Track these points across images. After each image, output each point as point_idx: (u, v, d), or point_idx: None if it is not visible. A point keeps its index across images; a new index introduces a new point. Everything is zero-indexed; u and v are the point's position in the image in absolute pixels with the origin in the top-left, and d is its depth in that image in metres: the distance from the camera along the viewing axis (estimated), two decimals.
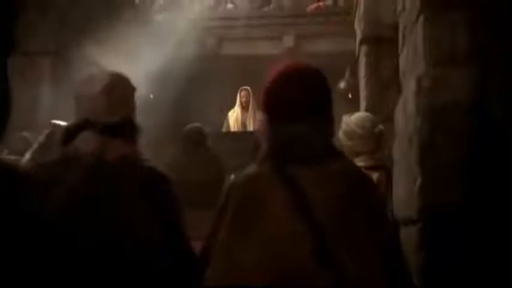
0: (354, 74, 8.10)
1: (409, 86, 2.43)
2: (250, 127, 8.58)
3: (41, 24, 5.55)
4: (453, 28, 2.26)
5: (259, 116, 1.73)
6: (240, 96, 8.68)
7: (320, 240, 1.53)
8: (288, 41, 8.69)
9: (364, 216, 1.61)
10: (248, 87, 8.68)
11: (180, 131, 6.16)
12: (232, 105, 8.74)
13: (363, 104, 5.23)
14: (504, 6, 2.23)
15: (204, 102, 9.07)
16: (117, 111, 1.79)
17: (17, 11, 0.86)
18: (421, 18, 2.32)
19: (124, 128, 1.79)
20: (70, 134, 1.79)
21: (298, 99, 1.65)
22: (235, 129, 8.59)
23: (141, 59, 6.67)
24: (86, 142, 1.75)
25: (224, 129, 8.55)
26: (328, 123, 1.70)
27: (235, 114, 8.70)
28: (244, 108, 8.68)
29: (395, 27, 5.07)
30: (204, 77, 8.87)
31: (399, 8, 2.94)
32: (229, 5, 9.27)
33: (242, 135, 8.07)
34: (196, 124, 5.55)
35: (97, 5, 6.29)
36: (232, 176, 5.53)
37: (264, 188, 1.61)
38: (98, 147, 1.74)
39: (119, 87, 1.82)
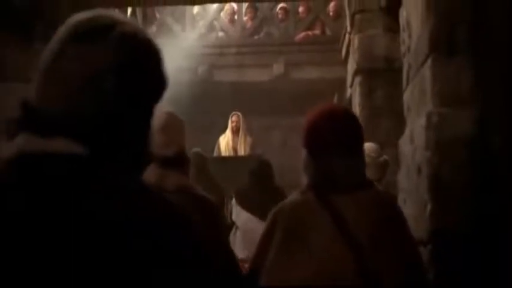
0: (342, 100, 8.42)
1: (418, 121, 2.71)
2: (241, 151, 8.83)
3: None
4: (458, 70, 2.54)
5: (302, 152, 1.98)
6: (230, 121, 8.93)
7: (359, 257, 1.79)
8: (278, 68, 8.98)
9: (393, 235, 1.89)
10: (239, 113, 8.94)
11: None
12: (223, 130, 8.99)
13: None
14: (503, 51, 2.52)
15: (195, 127, 9.28)
16: (173, 146, 2.03)
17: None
18: (429, 61, 2.60)
19: (178, 161, 2.03)
20: None
21: (337, 137, 1.92)
22: (226, 154, 8.82)
23: None
24: (146, 174, 1.97)
25: (215, 154, 8.78)
26: (361, 157, 1.97)
27: (226, 139, 8.94)
28: (235, 133, 8.93)
29: (388, 59, 5.41)
30: (195, 103, 9.10)
31: (403, 48, 3.23)
32: (221, 33, 9.56)
33: (234, 159, 8.32)
34: (197, 149, 5.78)
35: None
36: (233, 200, 5.78)
37: (309, 214, 1.87)
38: (157, 178, 1.97)
39: (174, 124, 2.06)
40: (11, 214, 0.88)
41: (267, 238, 1.92)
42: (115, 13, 1.03)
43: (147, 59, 1.01)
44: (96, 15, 0.99)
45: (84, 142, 0.92)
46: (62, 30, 0.99)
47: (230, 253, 1.99)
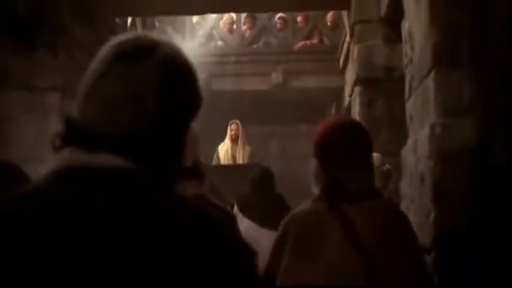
0: (340, 109, 8.51)
1: (421, 132, 2.79)
2: (240, 160, 8.90)
3: (50, 61, 5.82)
4: (460, 82, 2.62)
5: (312, 162, 2.06)
6: (230, 130, 9.00)
7: (367, 262, 1.86)
8: (277, 77, 9.05)
9: (400, 241, 1.97)
10: (238, 121, 9.01)
11: None
12: (222, 139, 9.07)
13: None
14: (504, 63, 2.60)
15: None
16: (190, 157, 2.09)
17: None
18: (432, 73, 2.68)
19: (195, 171, 2.10)
20: None
21: (347, 149, 2.00)
22: (225, 162, 8.89)
23: None
24: None
25: (214, 162, 8.83)
26: (370, 168, 2.05)
27: (225, 147, 9.01)
28: (234, 141, 8.99)
29: (387, 69, 5.50)
30: None
31: (406, 60, 3.31)
32: (220, 42, 9.64)
33: (234, 168, 8.38)
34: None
35: (100, 44, 6.60)
36: (236, 208, 5.85)
37: (320, 222, 1.94)
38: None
39: (191, 136, 2.13)
40: (62, 224, 0.94)
41: (279, 246, 1.99)
42: (155, 35, 1.10)
43: (186, 79, 1.08)
44: (138, 36, 1.07)
45: (127, 157, 0.99)
46: (105, 51, 1.06)
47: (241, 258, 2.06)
